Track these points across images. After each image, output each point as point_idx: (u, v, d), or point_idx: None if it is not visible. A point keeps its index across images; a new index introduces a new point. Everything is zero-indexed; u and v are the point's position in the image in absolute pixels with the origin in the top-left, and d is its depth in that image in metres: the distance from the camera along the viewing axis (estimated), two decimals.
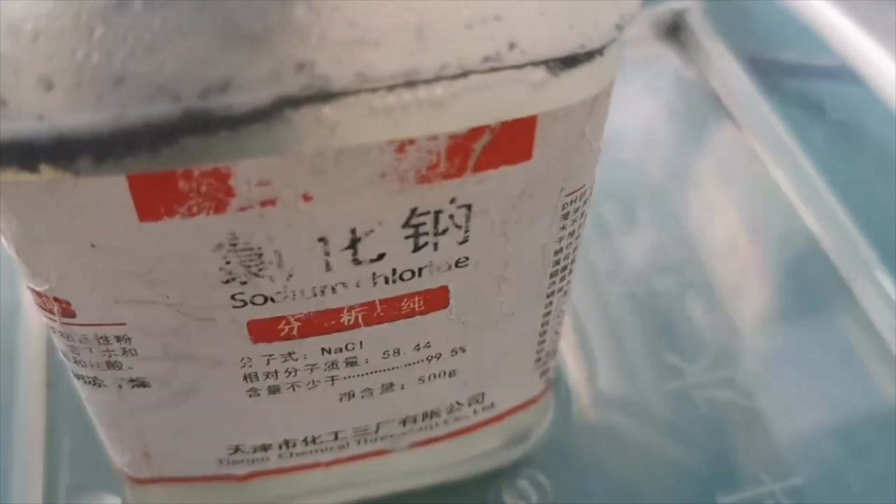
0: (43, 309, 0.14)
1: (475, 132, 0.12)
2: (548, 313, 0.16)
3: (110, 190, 0.12)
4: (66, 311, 0.13)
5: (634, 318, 0.23)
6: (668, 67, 0.29)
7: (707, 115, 0.28)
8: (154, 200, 0.12)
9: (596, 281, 0.24)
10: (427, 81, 0.12)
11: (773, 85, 0.29)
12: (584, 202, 0.15)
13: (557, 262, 0.15)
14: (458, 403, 0.17)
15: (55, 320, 0.14)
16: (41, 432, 0.20)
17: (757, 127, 0.27)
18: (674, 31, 0.30)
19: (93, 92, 0.11)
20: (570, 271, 0.16)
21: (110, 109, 0.11)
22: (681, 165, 0.27)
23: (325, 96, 0.11)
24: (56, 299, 0.13)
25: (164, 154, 0.11)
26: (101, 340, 0.14)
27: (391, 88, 0.11)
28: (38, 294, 0.13)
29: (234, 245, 0.13)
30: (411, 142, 0.12)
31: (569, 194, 0.14)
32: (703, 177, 0.27)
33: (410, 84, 0.12)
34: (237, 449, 0.16)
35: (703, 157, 0.28)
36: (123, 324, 0.14)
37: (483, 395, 0.17)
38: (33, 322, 0.22)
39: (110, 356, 0.14)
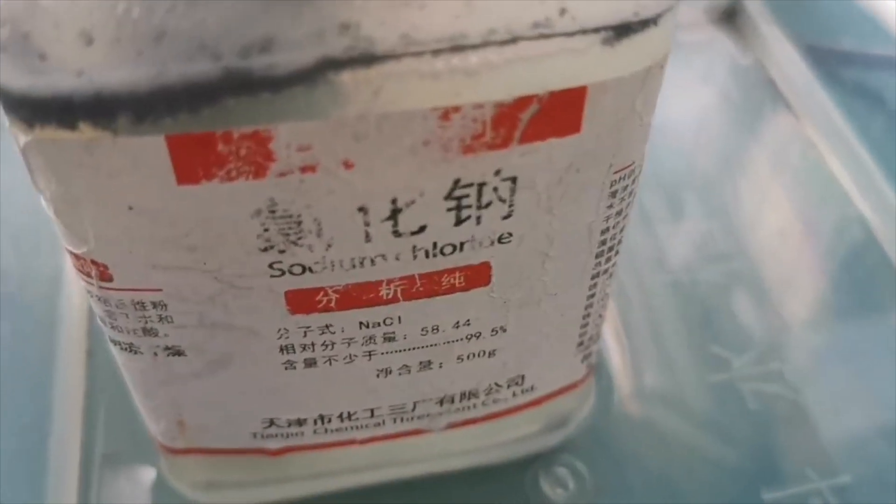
0: (81, 272, 0.13)
1: (522, 101, 0.12)
2: (592, 295, 0.16)
3: (149, 151, 0.11)
4: (104, 275, 0.13)
5: (680, 308, 0.23)
6: (724, 53, 0.29)
7: (763, 103, 0.27)
8: (193, 163, 0.12)
9: (641, 269, 0.23)
10: (474, 47, 0.11)
11: (832, 73, 0.28)
12: (633, 180, 0.14)
13: (604, 242, 0.15)
14: (496, 385, 0.17)
15: (93, 284, 0.13)
16: (80, 400, 0.20)
17: (814, 115, 0.27)
18: (730, 16, 0.29)
19: (133, 47, 0.10)
20: (617, 252, 0.15)
21: (150, 66, 0.11)
22: (734, 153, 0.27)
23: (369, 59, 0.11)
24: (94, 262, 0.13)
25: (204, 114, 0.11)
26: (137, 306, 0.14)
27: (437, 53, 0.11)
28: (77, 257, 0.13)
29: (273, 212, 0.12)
30: (456, 109, 0.12)
31: (617, 171, 0.14)
32: (756, 166, 0.26)
33: (457, 49, 0.11)
34: (272, 422, 0.16)
35: (757, 146, 0.27)
36: (160, 289, 0.13)
37: (523, 377, 0.17)
38: (75, 290, 0.22)
39: (146, 322, 0.14)
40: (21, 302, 0.21)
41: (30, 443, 0.19)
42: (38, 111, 0.11)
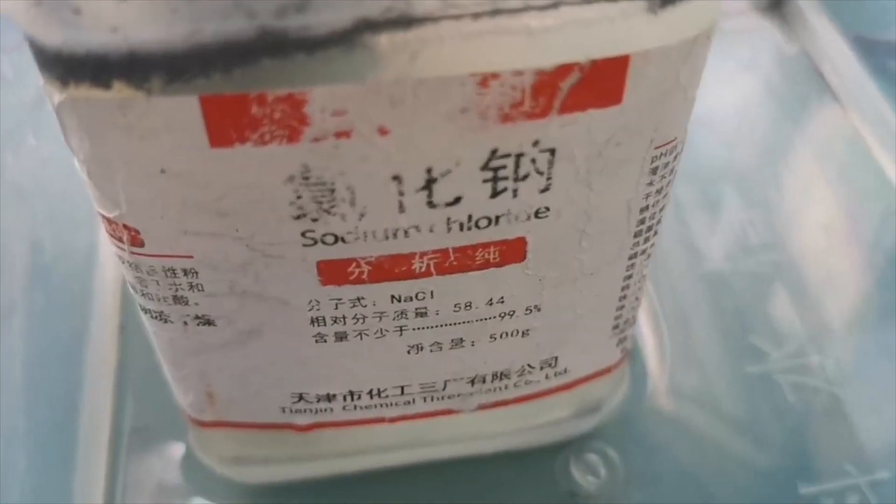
0: (113, 237, 0.13)
1: (563, 69, 0.11)
2: (629, 276, 0.15)
3: (182, 112, 0.11)
4: (135, 240, 0.13)
5: (718, 298, 0.22)
6: (769, 42, 0.28)
7: (808, 94, 0.27)
8: (226, 125, 0.11)
9: (680, 257, 0.23)
10: (515, 11, 0.11)
11: (880, 64, 0.27)
12: (675, 157, 0.14)
13: (642, 221, 0.14)
14: (529, 366, 0.16)
15: (124, 250, 0.13)
16: (111, 373, 0.20)
17: (861, 107, 0.26)
18: (776, 4, 0.28)
19: (168, 4, 0.10)
20: (656, 233, 0.15)
21: (185, 24, 0.10)
22: (778, 145, 0.26)
23: (407, 21, 0.11)
24: (126, 227, 0.13)
25: (238, 75, 0.11)
26: (168, 273, 0.14)
27: (476, 16, 0.11)
28: (109, 221, 0.13)
29: (307, 178, 0.12)
30: (495, 76, 0.11)
31: (659, 146, 0.13)
32: (800, 157, 0.26)
33: (497, 12, 0.11)
34: (301, 397, 0.16)
35: (801, 137, 0.26)
36: (191, 256, 0.13)
37: (556, 359, 0.17)
38: (109, 265, 0.22)
39: (177, 290, 0.14)
40: (55, 275, 0.21)
41: (60, 414, 0.19)
42: (72, 69, 0.11)
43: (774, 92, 0.27)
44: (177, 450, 0.19)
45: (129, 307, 0.21)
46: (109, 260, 0.22)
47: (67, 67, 0.11)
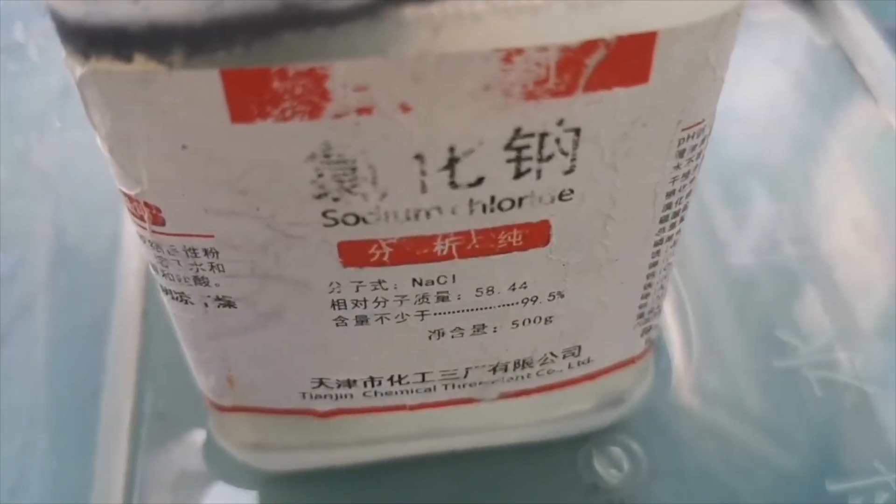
0: (134, 216, 0.13)
1: (589, 46, 0.11)
2: (654, 263, 0.15)
3: (204, 86, 0.11)
4: (156, 219, 0.13)
5: (747, 292, 0.22)
6: (800, 34, 0.28)
7: (840, 87, 0.26)
8: (247, 100, 0.11)
9: (708, 249, 0.23)
10: None
11: None
12: (703, 140, 0.14)
13: (669, 206, 0.14)
14: (552, 354, 0.16)
15: (145, 228, 0.13)
16: (133, 358, 0.20)
17: (894, 100, 0.26)
18: None
19: None
20: (682, 219, 0.15)
21: None
22: (809, 138, 0.26)
23: None
24: (147, 205, 0.13)
25: (260, 49, 0.11)
26: (189, 252, 0.13)
27: None
28: (130, 199, 0.13)
29: (328, 156, 0.12)
30: (519, 52, 0.11)
31: (686, 128, 0.13)
32: (832, 151, 0.25)
33: None
34: (321, 382, 0.16)
35: (833, 130, 0.26)
36: (212, 236, 0.13)
37: (579, 347, 0.16)
38: (133, 251, 0.22)
39: (198, 271, 0.14)
40: (79, 260, 0.21)
41: (82, 398, 0.19)
42: (93, 41, 0.11)
43: (805, 85, 0.27)
44: (197, 436, 0.19)
45: (151, 293, 0.21)
46: (133, 246, 0.22)
47: (89, 40, 0.11)
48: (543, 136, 0.12)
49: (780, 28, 0.28)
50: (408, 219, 0.13)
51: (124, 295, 0.21)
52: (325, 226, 0.13)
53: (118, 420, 0.19)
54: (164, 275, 0.14)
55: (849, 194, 0.24)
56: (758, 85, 0.26)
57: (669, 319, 0.21)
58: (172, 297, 0.15)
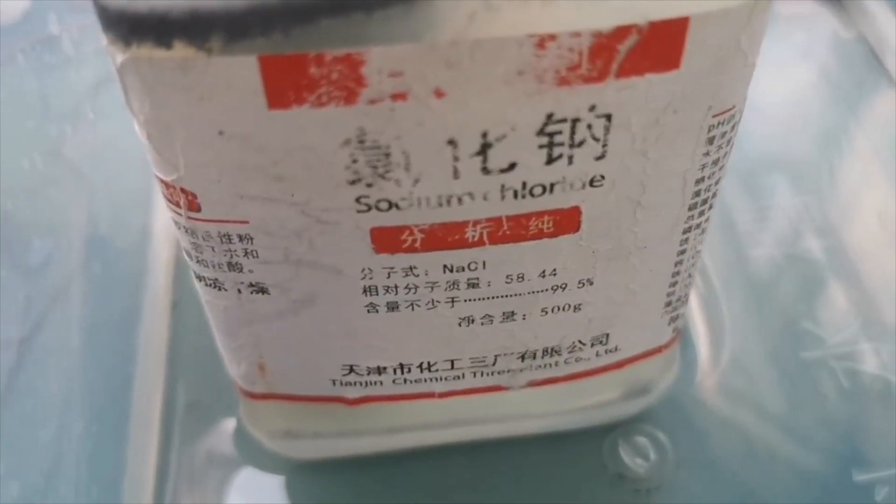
0: (170, 202, 0.14)
1: (621, 31, 0.11)
2: (683, 251, 0.15)
3: (241, 72, 0.11)
4: (192, 205, 0.13)
5: (772, 282, 0.22)
6: (825, 27, 0.28)
7: (866, 80, 0.26)
8: (284, 86, 0.11)
9: (734, 240, 0.23)
10: None
11: None
12: (732, 127, 0.14)
13: (698, 194, 0.14)
14: (580, 342, 0.16)
15: (181, 214, 0.14)
16: (163, 348, 0.20)
17: None
18: None
19: None
20: (711, 206, 0.15)
21: None
22: (834, 131, 0.26)
23: None
24: (183, 190, 0.13)
25: (297, 35, 0.11)
26: (223, 238, 0.14)
27: None
28: (167, 185, 0.13)
29: (363, 142, 0.12)
30: (552, 37, 0.11)
31: (716, 115, 0.13)
32: (857, 144, 0.25)
33: None
34: (351, 369, 0.16)
35: (858, 123, 0.26)
36: (246, 221, 0.13)
37: (607, 335, 0.16)
38: (163, 243, 0.22)
39: (232, 256, 0.14)
40: (111, 249, 0.22)
41: (115, 385, 0.20)
42: (134, 28, 0.11)
43: (831, 78, 0.27)
44: (227, 424, 0.19)
45: (180, 284, 0.22)
46: (162, 238, 0.22)
47: (130, 26, 0.11)
48: (575, 121, 0.12)
49: (806, 22, 0.28)
50: (440, 205, 0.13)
51: (154, 286, 0.21)
52: (359, 211, 0.13)
53: (150, 408, 0.19)
54: (198, 261, 0.14)
55: (874, 187, 0.24)
56: (783, 78, 0.26)
57: (695, 310, 0.21)
58: (206, 284, 0.15)
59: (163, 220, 0.23)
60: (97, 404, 0.19)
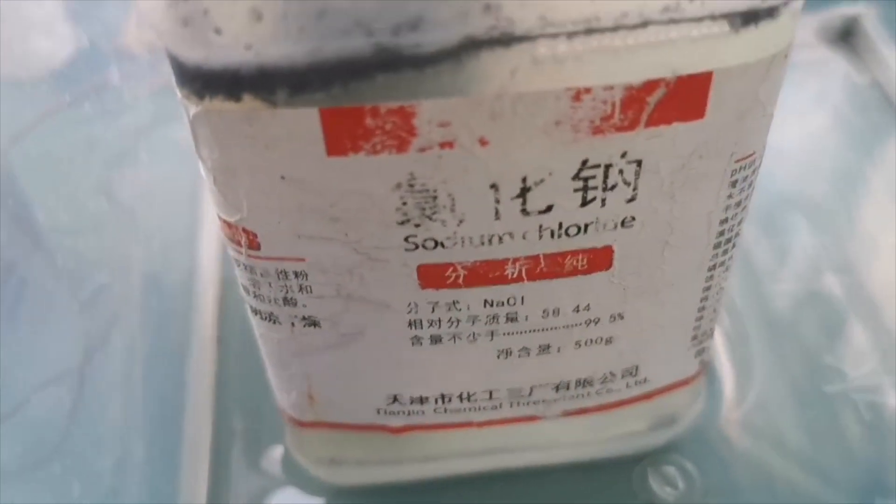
0: (231, 241, 0.15)
1: (651, 85, 0.12)
2: (708, 287, 0.16)
3: (303, 122, 0.12)
4: (253, 244, 0.14)
5: (794, 317, 0.23)
6: (838, 72, 0.29)
7: (881, 123, 0.27)
8: (342, 135, 0.13)
9: (755, 277, 0.24)
10: (606, 30, 0.12)
11: None
12: (753, 171, 0.15)
13: (722, 234, 0.15)
14: (611, 374, 0.17)
15: (241, 252, 0.15)
16: (211, 380, 0.21)
17: None
18: (844, 36, 0.29)
19: (296, 24, 0.12)
20: (734, 245, 0.16)
21: (310, 42, 0.12)
22: (850, 173, 0.27)
23: (508, 40, 0.12)
24: (244, 230, 0.14)
25: (355, 89, 0.12)
26: (280, 275, 0.15)
27: (571, 35, 0.12)
28: (229, 226, 0.14)
29: (412, 186, 0.13)
30: (587, 90, 0.12)
31: (738, 160, 0.14)
32: (873, 184, 0.26)
33: (590, 31, 0.12)
34: (395, 399, 0.17)
35: (874, 165, 0.27)
36: (303, 259, 0.14)
37: (637, 367, 0.17)
38: (209, 282, 0.23)
39: (287, 292, 0.15)
40: (162, 285, 0.23)
41: (168, 414, 0.21)
42: (208, 83, 0.12)
43: (846, 122, 0.28)
44: (273, 451, 0.20)
45: (225, 321, 0.23)
46: (208, 276, 0.23)
47: (204, 82, 0.12)
48: (608, 167, 0.13)
49: (819, 67, 0.29)
50: (482, 243, 0.14)
51: (201, 322, 0.22)
52: (406, 250, 0.14)
53: (200, 436, 0.20)
54: (255, 296, 0.15)
55: (891, 226, 0.25)
56: (800, 122, 0.27)
57: (720, 346, 0.22)
58: (262, 318, 0.16)
59: (208, 259, 0.24)
60: (152, 433, 0.20)
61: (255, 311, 0.16)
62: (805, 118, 0.28)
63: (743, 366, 0.22)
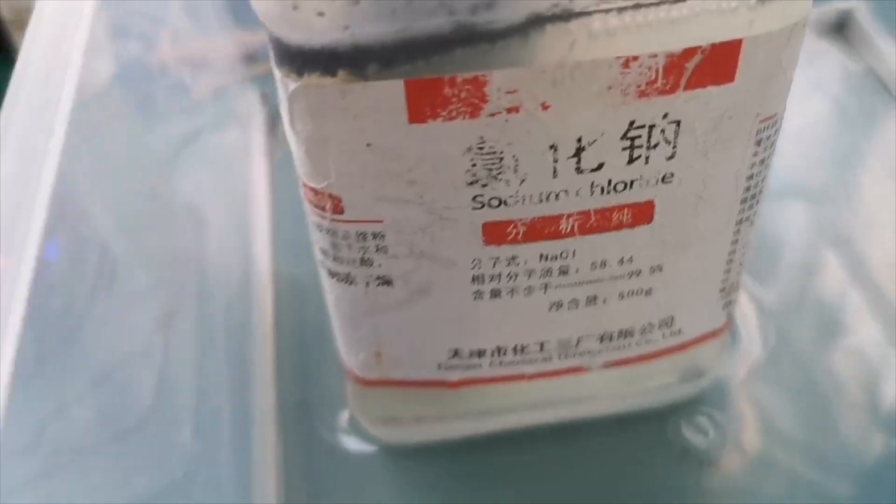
0: (316, 206, 0.16)
1: (689, 52, 0.14)
2: (735, 241, 0.18)
3: (390, 93, 0.14)
4: (337, 208, 0.16)
5: (806, 284, 0.25)
6: (835, 62, 0.31)
7: (876, 108, 0.29)
8: (423, 104, 0.14)
9: (769, 249, 0.25)
10: (652, 4, 0.14)
11: None
12: (775, 131, 0.17)
13: (748, 189, 0.17)
14: (650, 325, 0.19)
15: (325, 217, 0.16)
16: (271, 358, 0.23)
17: None
18: (839, 28, 0.31)
19: (389, 6, 0.13)
20: (758, 201, 0.18)
21: (399, 22, 0.14)
22: (848, 158, 0.29)
23: (568, 15, 0.14)
24: (330, 196, 0.16)
25: (436, 62, 0.14)
26: (360, 237, 0.17)
27: (622, 10, 0.14)
28: (315, 192, 0.16)
29: (481, 149, 0.15)
30: (635, 58, 0.14)
31: (763, 120, 0.16)
32: (870, 165, 0.28)
33: (638, 6, 0.14)
34: (456, 353, 0.19)
35: (871, 149, 0.29)
36: (381, 221, 0.16)
37: (673, 318, 0.19)
38: (264, 275, 0.25)
39: (365, 253, 0.17)
40: (221, 277, 0.25)
41: (236, 390, 0.22)
42: (307, 61, 0.14)
43: (842, 109, 0.30)
44: (332, 417, 0.22)
45: (280, 310, 0.24)
46: (264, 274, 0.25)
47: (304, 60, 0.14)
48: (651, 127, 0.15)
49: (817, 58, 0.31)
50: (540, 201, 0.16)
51: (258, 309, 0.24)
52: (473, 209, 0.16)
53: (266, 406, 0.22)
54: (334, 258, 0.17)
55: (889, 203, 0.27)
56: (797, 112, 0.29)
57: (745, 307, 0.24)
58: (338, 279, 0.18)
59: (261, 252, 0.25)
60: (220, 408, 0.22)
61: (333, 274, 0.18)
62: (803, 107, 0.30)
63: (764, 324, 0.23)
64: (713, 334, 0.20)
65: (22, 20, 0.34)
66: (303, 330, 0.24)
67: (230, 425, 0.22)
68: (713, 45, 0.14)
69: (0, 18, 0.36)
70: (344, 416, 0.22)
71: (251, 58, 0.31)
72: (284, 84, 0.15)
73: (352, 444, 0.22)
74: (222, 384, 0.22)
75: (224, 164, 0.27)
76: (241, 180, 0.27)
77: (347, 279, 0.17)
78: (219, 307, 0.24)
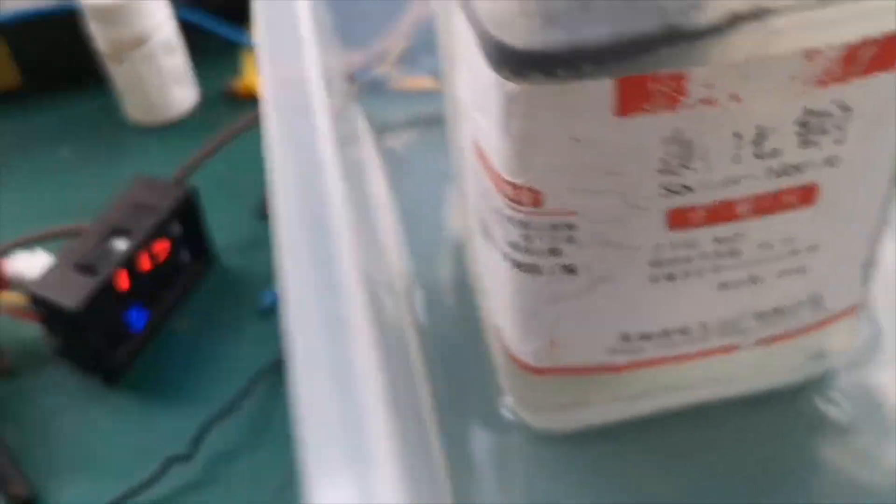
0: (512, 201, 0.18)
1: (867, 42, 0.16)
2: (881, 220, 0.20)
3: (600, 90, 0.16)
4: (535, 201, 0.18)
5: None
6: None
7: None
8: (629, 99, 0.16)
9: None
10: (835, 1, 0.16)
11: None
12: None
13: None
14: (800, 302, 0.21)
15: (521, 211, 0.18)
16: (419, 358, 0.24)
17: None
18: None
19: (611, 11, 0.15)
20: None
21: (617, 25, 0.15)
22: None
23: (764, 14, 0.15)
24: (530, 189, 0.17)
25: (643, 60, 0.16)
26: (552, 228, 0.18)
27: (809, 7, 0.16)
28: (514, 187, 0.18)
29: (675, 139, 0.17)
30: (817, 51, 0.16)
31: None
32: None
33: (824, 3, 0.16)
34: (626, 337, 0.20)
35: None
36: (575, 212, 0.18)
37: (821, 296, 0.21)
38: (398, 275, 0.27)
39: (555, 242, 0.18)
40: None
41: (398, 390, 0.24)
42: (528, 63, 0.16)
43: None
44: (486, 411, 0.23)
45: (420, 324, 0.26)
46: (400, 273, 0.26)
47: (525, 63, 0.16)
48: (825, 113, 0.17)
49: None
50: (722, 186, 0.17)
51: (401, 314, 0.26)
52: (662, 196, 0.17)
53: (422, 408, 0.23)
54: (525, 250, 0.19)
55: None
56: None
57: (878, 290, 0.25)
58: (523, 270, 0.19)
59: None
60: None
61: (518, 265, 0.19)
62: None
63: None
64: (850, 310, 0.22)
65: (118, 54, 0.36)
66: (444, 330, 0.25)
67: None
68: (887, 36, 0.16)
69: (98, 51, 0.38)
70: (500, 410, 0.23)
71: (351, 78, 0.33)
72: (500, 86, 0.16)
73: (512, 435, 0.23)
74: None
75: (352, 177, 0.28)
76: (362, 193, 0.29)
77: (533, 269, 0.19)
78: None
